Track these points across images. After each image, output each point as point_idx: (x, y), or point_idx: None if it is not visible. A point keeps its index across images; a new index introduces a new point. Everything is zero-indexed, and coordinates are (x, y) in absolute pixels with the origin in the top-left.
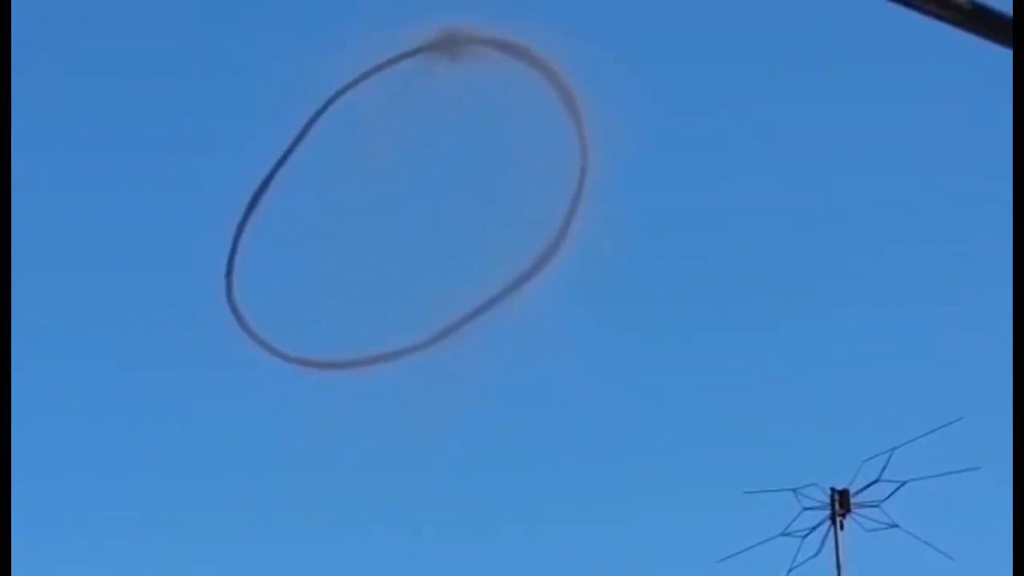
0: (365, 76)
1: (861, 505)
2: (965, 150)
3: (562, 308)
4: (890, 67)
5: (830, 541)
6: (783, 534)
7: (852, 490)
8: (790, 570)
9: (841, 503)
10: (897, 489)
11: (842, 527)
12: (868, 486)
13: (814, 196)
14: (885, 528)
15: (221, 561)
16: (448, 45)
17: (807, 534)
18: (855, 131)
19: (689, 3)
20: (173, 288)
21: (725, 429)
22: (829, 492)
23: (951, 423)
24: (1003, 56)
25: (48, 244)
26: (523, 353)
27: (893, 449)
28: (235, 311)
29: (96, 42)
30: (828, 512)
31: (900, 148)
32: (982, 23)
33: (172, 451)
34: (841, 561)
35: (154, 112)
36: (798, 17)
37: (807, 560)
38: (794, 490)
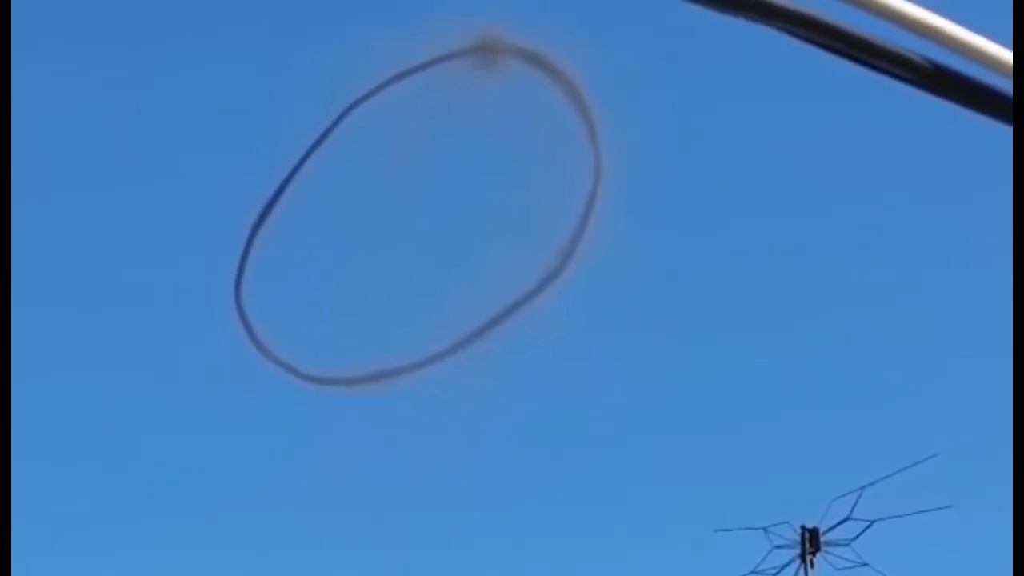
0: (389, 81)
1: (831, 543)
2: (953, 183)
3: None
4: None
5: None
6: (753, 572)
7: (822, 528)
8: None
9: (811, 541)
10: (867, 528)
11: (812, 565)
12: (838, 524)
13: (794, 228)
14: (855, 566)
15: None
16: (482, 52)
17: (777, 572)
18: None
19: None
20: (184, 302)
21: (695, 467)
22: (799, 530)
23: (922, 461)
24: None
25: (57, 250)
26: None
27: (863, 488)
28: (245, 324)
29: (108, 44)
30: (798, 551)
31: (886, 180)
32: (947, 86)
33: (183, 470)
34: None
35: (161, 122)
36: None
37: None
38: (764, 528)
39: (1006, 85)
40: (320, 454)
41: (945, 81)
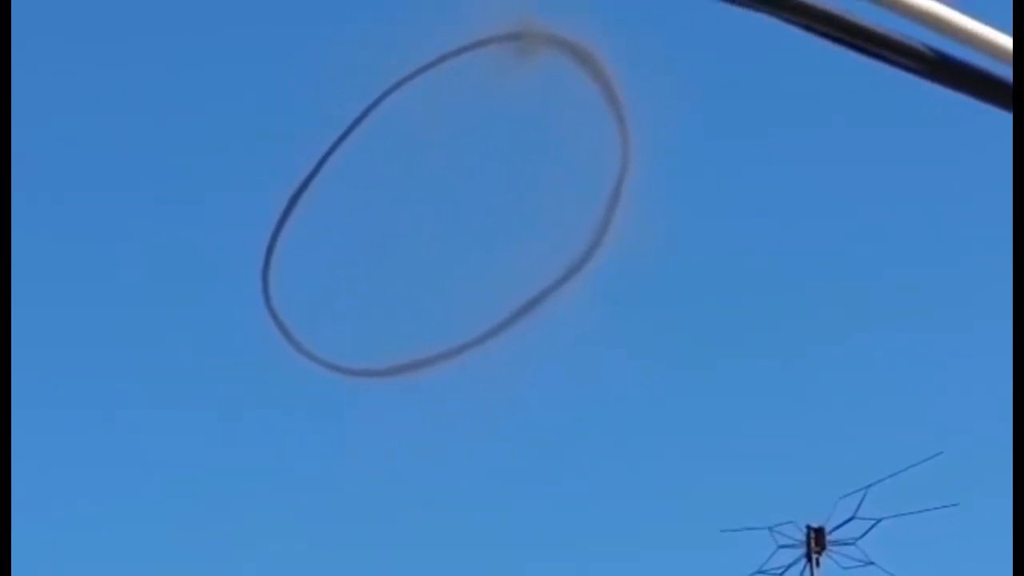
0: (423, 68)
1: (837, 543)
2: (953, 184)
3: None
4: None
5: None
6: (759, 572)
7: (828, 528)
8: None
9: (817, 541)
10: (873, 527)
11: (818, 565)
12: (844, 523)
13: (806, 226)
14: (861, 565)
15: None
16: (518, 40)
17: (783, 572)
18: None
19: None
20: (213, 294)
21: (701, 466)
22: (805, 530)
23: (927, 460)
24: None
25: (91, 253)
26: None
27: (869, 486)
28: (276, 320)
29: (131, 32)
30: (804, 550)
31: (888, 179)
32: (950, 74)
33: (216, 467)
34: None
35: (186, 111)
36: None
37: None
38: (770, 528)
39: (1010, 73)
40: (342, 452)
41: (950, 71)
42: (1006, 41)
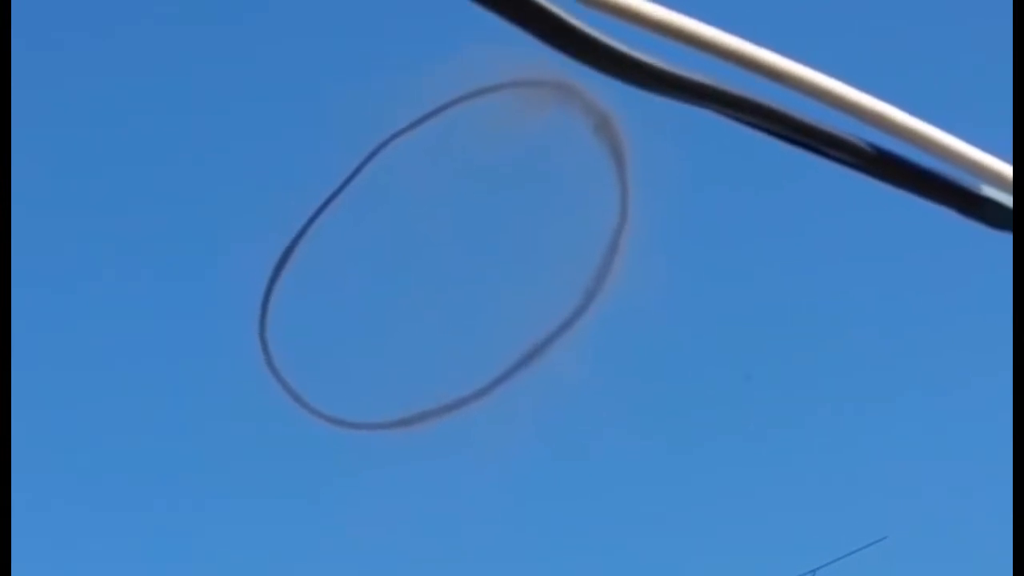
0: (423, 117)
1: None
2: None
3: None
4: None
5: None
6: None
7: None
8: None
9: None
10: None
11: None
12: None
13: (749, 296)
14: None
15: None
16: (523, 88)
17: None
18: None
19: None
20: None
21: (641, 550)
22: None
23: (871, 545)
24: None
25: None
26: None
27: (813, 571)
28: (276, 374)
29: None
30: None
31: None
32: (889, 170)
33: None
34: None
35: (189, 155)
36: None
37: None
38: None
39: (947, 169)
40: (337, 506)
41: (887, 166)
42: (948, 139)
